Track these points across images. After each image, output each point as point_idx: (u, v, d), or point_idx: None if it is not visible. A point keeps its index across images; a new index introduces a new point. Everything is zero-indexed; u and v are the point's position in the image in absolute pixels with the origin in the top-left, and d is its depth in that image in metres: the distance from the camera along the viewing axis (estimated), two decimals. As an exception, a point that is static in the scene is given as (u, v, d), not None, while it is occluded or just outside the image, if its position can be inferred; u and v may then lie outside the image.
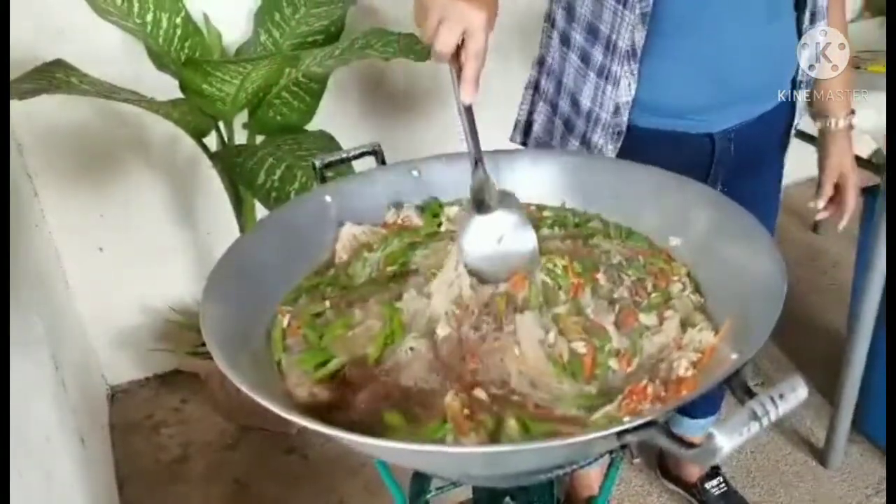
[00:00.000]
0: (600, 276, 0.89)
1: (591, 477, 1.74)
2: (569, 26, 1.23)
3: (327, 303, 0.90)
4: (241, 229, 1.87)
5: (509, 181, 1.05)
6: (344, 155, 1.05)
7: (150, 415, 2.23)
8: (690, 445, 0.59)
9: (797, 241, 2.75)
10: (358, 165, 1.12)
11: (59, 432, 1.52)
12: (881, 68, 1.75)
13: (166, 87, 1.73)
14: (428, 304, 0.85)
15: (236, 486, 1.99)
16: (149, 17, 1.76)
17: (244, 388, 0.67)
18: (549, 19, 1.30)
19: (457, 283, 0.86)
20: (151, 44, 1.79)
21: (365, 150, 1.05)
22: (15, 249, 1.52)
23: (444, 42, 0.79)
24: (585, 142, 1.26)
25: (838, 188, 1.39)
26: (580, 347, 0.80)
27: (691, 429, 1.67)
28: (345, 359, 0.81)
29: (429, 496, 1.00)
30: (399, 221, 1.03)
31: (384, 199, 1.05)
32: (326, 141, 1.78)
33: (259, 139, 1.87)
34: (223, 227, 1.99)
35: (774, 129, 1.34)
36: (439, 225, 1.03)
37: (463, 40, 0.80)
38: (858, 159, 1.54)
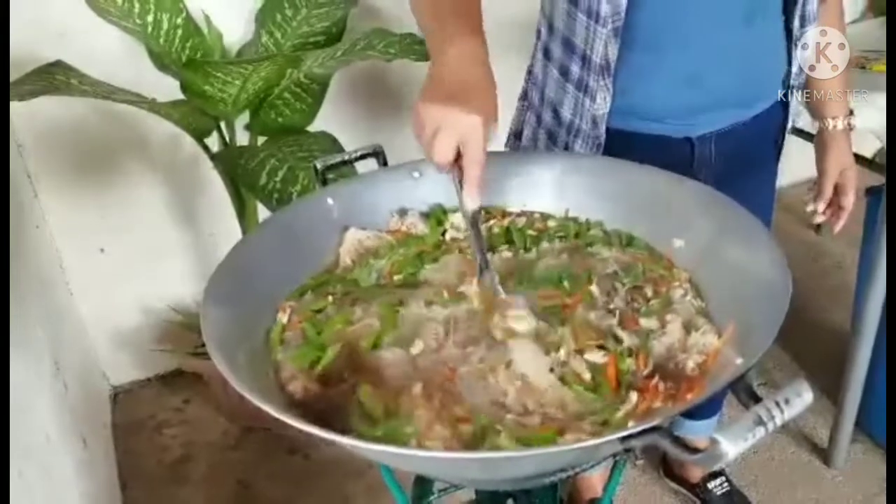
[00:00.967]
0: (594, 289, 0.89)
1: (594, 479, 1.73)
2: (549, 39, 1.23)
3: (330, 298, 0.90)
4: (244, 231, 1.87)
5: (509, 183, 1.05)
6: (346, 157, 1.04)
7: (153, 415, 2.23)
8: (695, 450, 0.59)
9: (798, 241, 2.75)
10: (360, 167, 1.12)
11: (59, 432, 1.52)
12: (884, 68, 1.75)
13: (167, 88, 1.72)
14: (427, 314, 0.85)
15: (239, 486, 1.99)
16: (149, 18, 1.76)
17: (245, 393, 0.67)
18: (537, 31, 1.30)
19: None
20: (152, 44, 1.78)
21: (367, 151, 1.05)
22: (15, 251, 1.52)
23: (441, 154, 0.80)
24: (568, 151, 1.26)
25: (837, 190, 1.37)
26: (598, 358, 0.79)
27: (692, 431, 1.67)
28: (338, 348, 0.82)
29: (431, 498, 1.00)
30: (403, 228, 1.03)
31: (386, 201, 1.05)
32: (328, 142, 1.77)
33: (261, 140, 1.87)
34: (225, 228, 1.99)
35: (763, 135, 1.32)
36: (444, 233, 1.02)
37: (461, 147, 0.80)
38: (861, 159, 1.53)
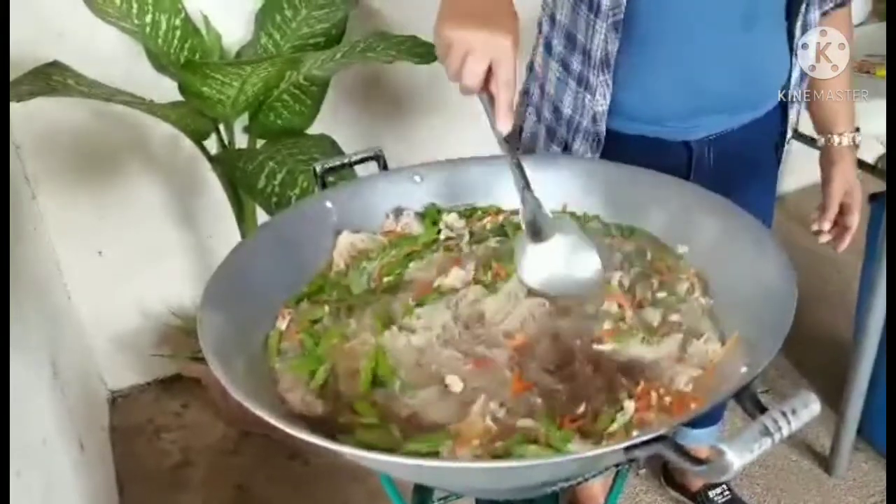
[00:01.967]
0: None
1: (596, 488, 1.72)
2: (551, 33, 1.22)
3: (326, 308, 0.89)
4: (243, 234, 1.86)
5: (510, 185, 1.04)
6: (345, 160, 1.04)
7: (151, 419, 2.22)
8: (699, 460, 0.58)
9: (801, 248, 2.73)
10: (359, 170, 1.11)
11: (56, 435, 1.51)
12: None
13: (165, 89, 1.71)
14: (407, 341, 0.84)
15: (238, 491, 1.98)
16: (148, 19, 1.75)
17: (242, 400, 0.66)
18: (539, 25, 1.29)
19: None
20: (150, 45, 1.77)
21: (367, 154, 1.04)
22: (13, 252, 1.51)
23: (473, 74, 0.78)
24: (567, 149, 1.25)
25: (841, 209, 1.34)
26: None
27: (694, 439, 1.65)
28: (336, 367, 0.81)
29: (431, 507, 0.99)
30: (398, 229, 1.02)
31: (386, 205, 1.04)
32: (328, 145, 1.76)
33: (259, 143, 1.86)
34: (224, 230, 1.97)
35: (762, 140, 1.31)
36: (438, 232, 1.02)
37: (490, 70, 0.78)
38: (863, 164, 1.52)
